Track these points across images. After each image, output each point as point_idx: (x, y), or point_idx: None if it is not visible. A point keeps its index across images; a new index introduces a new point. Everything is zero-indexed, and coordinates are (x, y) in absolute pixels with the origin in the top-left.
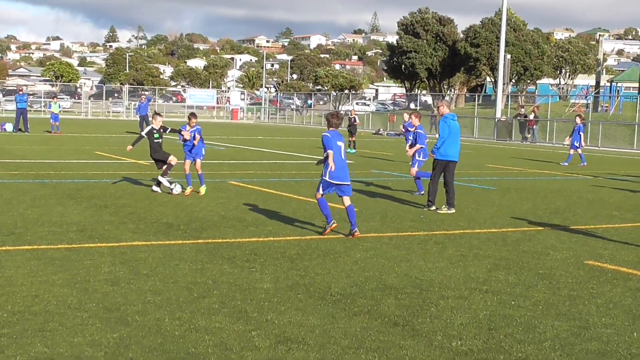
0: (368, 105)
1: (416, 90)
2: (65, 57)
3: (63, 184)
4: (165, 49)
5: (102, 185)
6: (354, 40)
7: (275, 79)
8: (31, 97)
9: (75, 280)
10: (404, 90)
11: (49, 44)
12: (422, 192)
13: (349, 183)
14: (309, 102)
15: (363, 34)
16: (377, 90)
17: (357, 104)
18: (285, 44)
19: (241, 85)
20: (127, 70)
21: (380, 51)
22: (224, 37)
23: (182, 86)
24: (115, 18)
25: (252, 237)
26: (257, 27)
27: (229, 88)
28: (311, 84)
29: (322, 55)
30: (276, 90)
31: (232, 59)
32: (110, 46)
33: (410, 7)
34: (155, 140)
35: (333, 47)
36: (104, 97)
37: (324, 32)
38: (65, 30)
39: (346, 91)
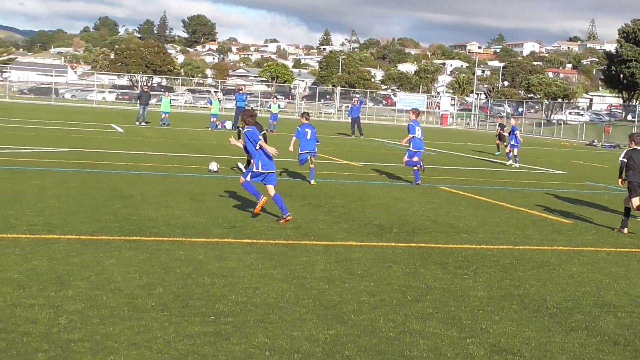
0: (582, 115)
1: (634, 101)
2: (281, 59)
3: (279, 181)
4: (377, 53)
5: (316, 185)
6: (568, 48)
7: (486, 86)
8: (249, 96)
9: (292, 275)
10: (620, 101)
11: (267, 46)
12: None
13: (274, 171)
14: (520, 109)
15: (579, 42)
16: (591, 100)
17: (569, 113)
18: (497, 50)
19: (451, 91)
20: (340, 73)
21: (597, 60)
22: (435, 42)
23: (392, 90)
24: (328, 22)
25: (464, 244)
26: (468, 33)
27: (439, 93)
28: (523, 92)
29: (534, 63)
30: (486, 97)
31: (443, 64)
32: (324, 49)
33: (630, 15)
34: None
35: (546, 55)
36: (316, 99)
37: (537, 39)
38: (282, 33)
39: (559, 100)
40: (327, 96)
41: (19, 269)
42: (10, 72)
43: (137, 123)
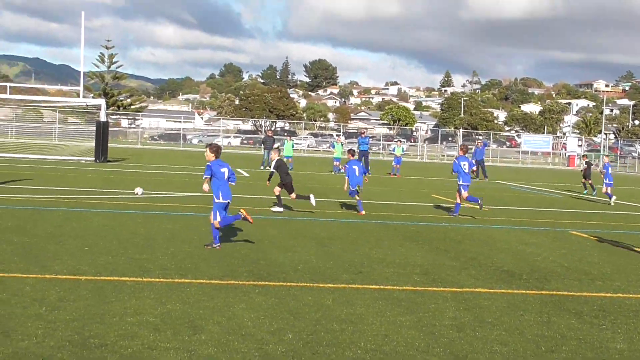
0: None
1: None
2: (402, 101)
3: (404, 225)
4: (499, 94)
5: (441, 229)
6: None
7: (615, 125)
8: (371, 139)
9: (421, 323)
10: None
11: (387, 88)
12: None
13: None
14: None
15: None
16: None
17: None
18: (626, 88)
19: (577, 131)
20: (462, 115)
21: None
22: (559, 81)
23: (516, 131)
24: (448, 63)
25: (600, 292)
26: (595, 71)
27: (565, 134)
28: None
29: None
30: (616, 137)
31: (569, 103)
32: (445, 91)
33: None
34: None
35: None
36: (439, 141)
37: None
38: (402, 75)
39: None
40: (450, 138)
41: (154, 312)
42: (142, 119)
43: (262, 167)
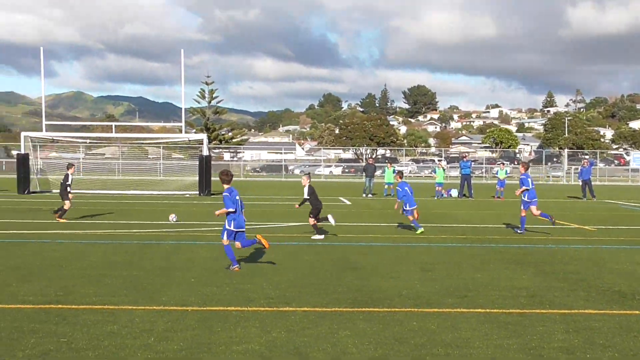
0: None
1: None
2: (504, 123)
3: (509, 248)
4: (605, 112)
5: (547, 251)
6: None
7: None
8: (474, 163)
9: (529, 346)
10: None
11: (488, 111)
12: None
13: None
14: None
15: None
16: None
17: None
18: None
19: None
20: (566, 135)
21: None
22: None
23: (625, 149)
24: (549, 83)
25: None
26: None
27: None
28: None
29: None
30: None
31: None
32: (548, 111)
33: None
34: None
35: None
36: (543, 162)
37: None
38: (501, 98)
39: None
40: (554, 159)
41: (260, 340)
42: (243, 152)
43: (364, 195)
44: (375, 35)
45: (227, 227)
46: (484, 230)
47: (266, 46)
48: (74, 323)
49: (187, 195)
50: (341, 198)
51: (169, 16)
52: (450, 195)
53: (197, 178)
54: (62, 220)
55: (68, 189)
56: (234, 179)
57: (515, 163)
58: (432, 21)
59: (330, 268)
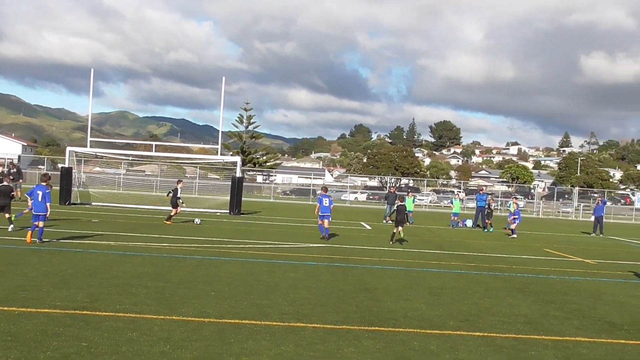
0: None
1: None
2: (522, 160)
3: (514, 277)
4: (616, 154)
5: (549, 281)
6: None
7: None
8: (489, 196)
9: None
10: None
11: (508, 148)
12: None
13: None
14: None
15: None
16: None
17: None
18: None
19: None
20: (578, 174)
21: None
22: None
23: (631, 189)
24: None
25: None
26: None
27: None
28: None
29: None
30: None
31: None
32: (564, 151)
33: None
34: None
35: None
36: (554, 198)
37: None
38: (519, 136)
39: None
40: (566, 196)
41: (269, 353)
42: (275, 175)
43: (385, 221)
44: (405, 72)
45: None
46: (493, 259)
47: (301, 78)
48: (96, 328)
49: (219, 214)
50: (363, 223)
51: (212, 45)
52: (465, 225)
53: (228, 198)
54: (168, 223)
55: (178, 201)
56: (266, 200)
57: (530, 198)
58: (457, 62)
59: (345, 288)
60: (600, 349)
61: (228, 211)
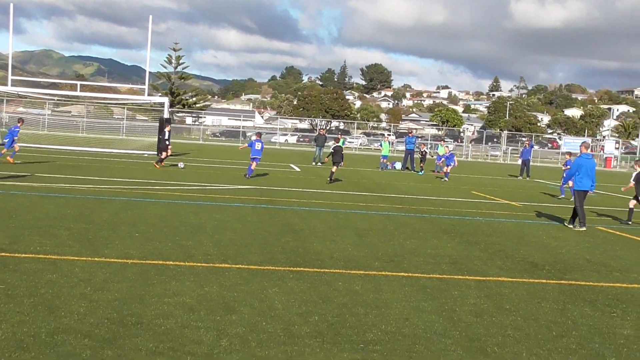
0: None
1: None
2: (452, 104)
3: (440, 219)
4: (545, 99)
5: (475, 223)
6: None
7: None
8: (418, 139)
9: (443, 308)
10: None
11: (439, 92)
12: None
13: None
14: None
15: None
16: None
17: None
18: None
19: (616, 135)
20: (507, 118)
21: None
22: (601, 88)
23: (558, 134)
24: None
25: (616, 283)
26: (635, 79)
27: (604, 137)
28: None
29: None
30: None
31: (609, 109)
32: (493, 95)
33: None
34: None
35: None
36: (483, 142)
37: None
38: (450, 80)
39: None
40: (494, 139)
41: (192, 294)
42: (205, 117)
43: (314, 163)
44: (335, 14)
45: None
46: (420, 201)
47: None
48: (14, 270)
49: (146, 155)
50: (292, 165)
51: None
52: (395, 167)
53: (156, 139)
54: (158, 167)
55: (167, 142)
56: (195, 142)
57: (459, 141)
58: (388, 4)
59: (271, 229)
60: (521, 288)
61: (156, 152)
